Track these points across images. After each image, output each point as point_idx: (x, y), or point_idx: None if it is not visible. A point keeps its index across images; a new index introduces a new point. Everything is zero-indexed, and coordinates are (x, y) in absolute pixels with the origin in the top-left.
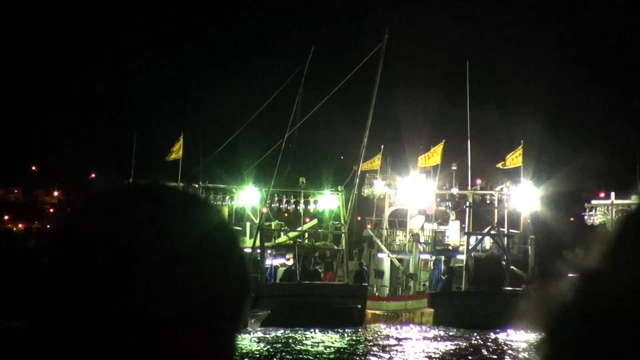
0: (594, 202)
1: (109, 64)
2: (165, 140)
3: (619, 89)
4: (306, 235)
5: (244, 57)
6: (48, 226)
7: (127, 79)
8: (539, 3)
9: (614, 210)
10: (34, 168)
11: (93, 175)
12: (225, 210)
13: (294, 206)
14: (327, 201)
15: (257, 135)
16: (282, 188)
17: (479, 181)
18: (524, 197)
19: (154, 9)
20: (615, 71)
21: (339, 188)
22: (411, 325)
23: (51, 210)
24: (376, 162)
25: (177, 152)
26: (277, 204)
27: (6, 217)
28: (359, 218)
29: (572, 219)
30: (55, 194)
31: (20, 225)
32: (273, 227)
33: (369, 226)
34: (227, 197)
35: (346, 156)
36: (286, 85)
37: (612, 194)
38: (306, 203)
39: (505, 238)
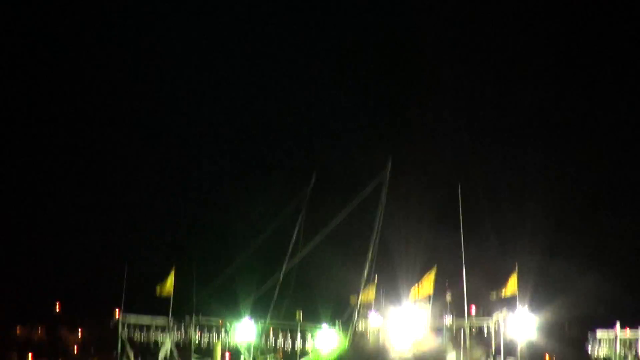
0: (598, 332)
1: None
2: (156, 268)
3: (622, 210)
4: None
5: (240, 180)
6: None
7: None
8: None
9: (619, 343)
10: (57, 306)
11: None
12: (219, 347)
13: (290, 341)
14: (326, 336)
15: (255, 264)
16: (280, 321)
17: (474, 309)
18: (521, 325)
19: (151, 137)
20: (616, 192)
21: (337, 323)
22: None
23: (75, 348)
24: (370, 294)
25: (168, 286)
26: (273, 338)
27: (30, 356)
28: None
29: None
30: (79, 333)
31: None
32: None
33: None
34: (223, 332)
35: (344, 288)
36: (287, 213)
37: (617, 324)
38: (303, 338)
39: None
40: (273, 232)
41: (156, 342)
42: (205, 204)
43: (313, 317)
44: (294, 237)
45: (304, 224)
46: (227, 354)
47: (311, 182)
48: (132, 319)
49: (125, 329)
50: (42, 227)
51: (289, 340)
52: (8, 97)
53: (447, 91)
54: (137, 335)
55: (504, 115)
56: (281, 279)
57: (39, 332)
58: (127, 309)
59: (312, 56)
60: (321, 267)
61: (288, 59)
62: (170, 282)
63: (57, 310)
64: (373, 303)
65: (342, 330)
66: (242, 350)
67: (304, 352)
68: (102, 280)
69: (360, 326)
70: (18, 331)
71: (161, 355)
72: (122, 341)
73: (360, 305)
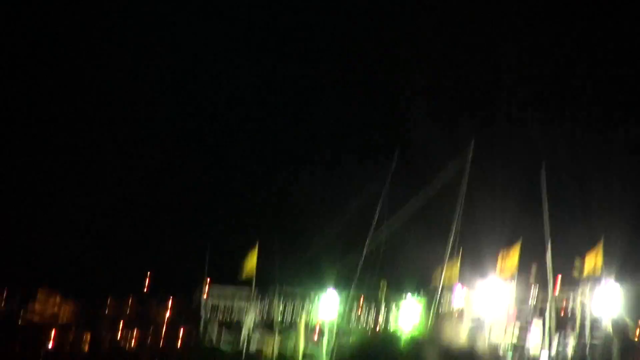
0: None
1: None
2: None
3: None
4: None
5: (319, 159)
6: (163, 335)
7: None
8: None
9: None
10: (147, 279)
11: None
12: (302, 322)
13: (374, 312)
14: (409, 306)
15: (339, 243)
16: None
17: (558, 282)
18: (607, 299)
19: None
20: None
21: (421, 292)
22: None
23: (165, 321)
24: (455, 268)
25: (251, 265)
26: (356, 312)
27: (120, 328)
28: None
29: None
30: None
31: (134, 336)
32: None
33: None
34: (306, 302)
35: (428, 263)
36: (370, 192)
37: None
38: (387, 308)
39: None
40: (357, 210)
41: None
42: (287, 184)
43: (397, 292)
44: (377, 214)
45: (387, 201)
46: (317, 327)
47: (394, 160)
48: (216, 289)
49: (210, 301)
50: (136, 206)
51: (373, 312)
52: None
53: (531, 69)
54: (222, 307)
55: (590, 93)
56: (364, 255)
57: (130, 303)
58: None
59: (394, 35)
60: (405, 243)
61: (370, 37)
62: (253, 260)
63: (148, 282)
64: (458, 277)
65: (426, 303)
66: (326, 330)
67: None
68: (190, 256)
69: (445, 300)
70: (109, 302)
71: (245, 325)
72: (206, 312)
73: (443, 278)
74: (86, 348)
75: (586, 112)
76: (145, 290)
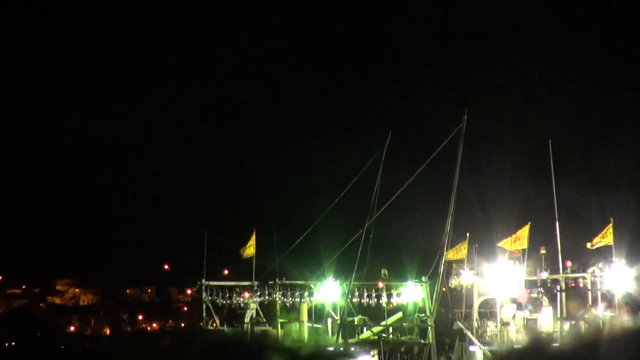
0: None
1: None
2: (236, 237)
3: None
4: (390, 329)
5: (316, 142)
6: (182, 325)
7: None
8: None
9: None
10: (166, 267)
11: (226, 271)
12: (305, 308)
13: (375, 300)
14: (411, 293)
15: (335, 226)
16: (363, 281)
17: (569, 264)
18: (617, 277)
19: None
20: None
21: (423, 279)
22: None
23: (185, 308)
24: (462, 251)
25: (249, 249)
26: (359, 298)
27: (140, 317)
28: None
29: None
30: (189, 292)
31: (154, 324)
32: (356, 323)
33: None
34: (306, 294)
35: (430, 244)
36: (364, 172)
37: None
38: (389, 296)
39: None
40: (352, 191)
41: (241, 306)
42: (282, 166)
43: (399, 276)
44: (374, 196)
45: (382, 182)
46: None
47: (388, 139)
48: (216, 282)
49: (208, 294)
50: (152, 193)
51: (374, 299)
52: None
53: (535, 40)
54: (222, 300)
55: (598, 65)
56: (363, 237)
57: (149, 292)
58: (213, 275)
59: (388, 12)
60: (405, 225)
61: (363, 14)
62: (252, 246)
63: (166, 271)
64: (465, 260)
65: (428, 287)
66: (328, 310)
67: (390, 311)
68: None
69: (453, 283)
70: (128, 292)
71: (247, 317)
72: (207, 305)
73: (446, 261)
74: (107, 331)
75: (595, 86)
76: (165, 278)
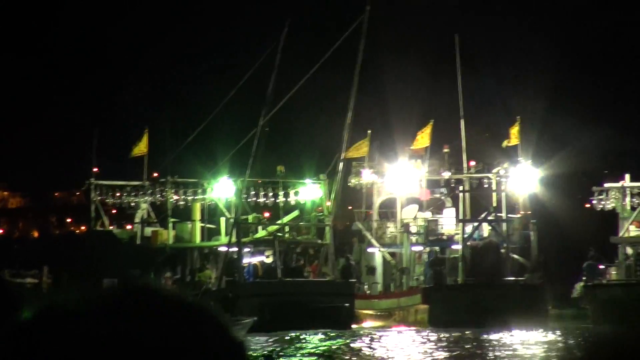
0: (605, 184)
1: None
2: (129, 134)
3: (633, 59)
4: (287, 228)
5: (210, 32)
6: (111, 227)
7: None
8: None
9: (629, 193)
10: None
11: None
12: (197, 206)
13: (272, 198)
14: (309, 191)
15: (231, 122)
16: (259, 178)
17: (473, 163)
18: (523, 179)
19: None
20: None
21: (321, 177)
22: (404, 325)
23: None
24: (363, 148)
25: (140, 148)
26: (254, 197)
27: (69, 220)
28: (349, 208)
29: (587, 205)
30: (77, 193)
31: (82, 227)
32: (250, 221)
33: None
34: (199, 191)
35: (329, 141)
36: (260, 64)
37: (627, 176)
38: (286, 194)
39: (505, 224)
40: (248, 85)
41: (131, 206)
42: (176, 61)
43: (297, 174)
44: (269, 90)
45: (279, 75)
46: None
47: (286, 27)
48: (106, 182)
49: (97, 193)
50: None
51: (271, 198)
52: None
53: None
54: (111, 200)
55: None
56: (258, 133)
57: (78, 196)
58: (103, 174)
59: None
60: (303, 121)
61: None
62: (144, 143)
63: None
64: (366, 158)
65: (327, 185)
66: (222, 208)
67: (287, 209)
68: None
69: (352, 182)
70: (57, 195)
71: (137, 217)
72: (96, 206)
73: (344, 159)
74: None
75: None
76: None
